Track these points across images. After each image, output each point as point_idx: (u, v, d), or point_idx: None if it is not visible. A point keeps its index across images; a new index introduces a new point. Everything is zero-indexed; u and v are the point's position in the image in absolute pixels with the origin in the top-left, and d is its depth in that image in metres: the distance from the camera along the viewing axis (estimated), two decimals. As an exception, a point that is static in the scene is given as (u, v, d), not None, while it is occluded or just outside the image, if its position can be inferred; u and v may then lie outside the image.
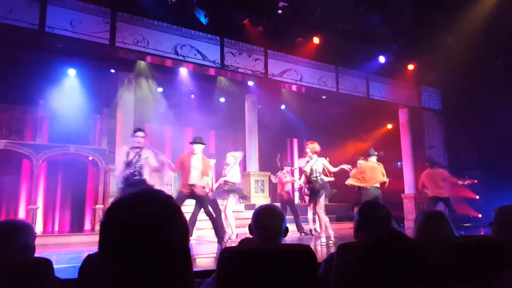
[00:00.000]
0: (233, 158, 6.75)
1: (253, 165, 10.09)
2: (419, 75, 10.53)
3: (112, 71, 8.86)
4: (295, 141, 13.55)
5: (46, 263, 1.52)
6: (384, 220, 1.88)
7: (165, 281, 0.76)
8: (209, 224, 5.52)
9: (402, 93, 10.84)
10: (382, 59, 9.75)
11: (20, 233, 1.66)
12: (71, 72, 8.61)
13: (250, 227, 1.82)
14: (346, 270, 1.56)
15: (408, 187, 10.67)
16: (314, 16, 8.14)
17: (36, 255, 1.67)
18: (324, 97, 10.13)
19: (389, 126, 12.19)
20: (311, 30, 8.70)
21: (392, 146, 11.73)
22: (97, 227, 7.84)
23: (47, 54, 7.67)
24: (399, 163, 11.53)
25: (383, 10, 8.10)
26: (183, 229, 0.82)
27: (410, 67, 10.40)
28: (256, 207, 1.85)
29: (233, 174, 6.62)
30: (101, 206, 8.22)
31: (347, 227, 8.52)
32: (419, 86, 11.12)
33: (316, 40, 8.92)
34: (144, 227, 0.76)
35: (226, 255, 1.56)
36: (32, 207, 7.84)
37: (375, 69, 9.97)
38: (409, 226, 9.67)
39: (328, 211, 9.91)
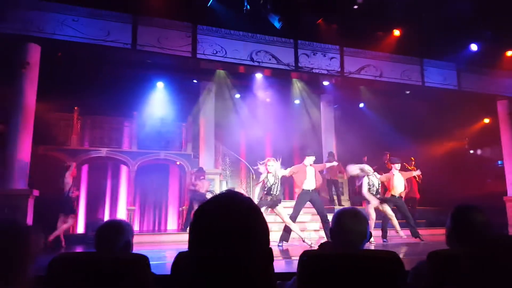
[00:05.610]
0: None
1: (332, 166, 9.82)
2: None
3: (195, 81, 9.47)
4: (377, 141, 12.84)
5: (144, 259, 1.66)
6: (481, 226, 1.66)
7: (249, 281, 0.79)
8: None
9: (500, 83, 9.63)
10: (474, 47, 8.80)
11: (123, 232, 1.88)
12: (160, 85, 9.43)
13: (331, 230, 1.73)
14: (438, 281, 1.44)
15: (513, 189, 9.40)
16: (393, 7, 7.69)
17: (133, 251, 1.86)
18: (408, 92, 9.51)
19: (486, 120, 10.92)
20: (390, 23, 8.24)
21: (491, 142, 10.49)
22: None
23: (139, 70, 8.51)
24: (499, 162, 10.25)
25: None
26: (265, 229, 0.84)
27: (509, 53, 9.20)
28: (336, 210, 1.79)
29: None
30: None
31: (439, 233, 7.82)
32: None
33: (396, 32, 8.42)
34: (229, 227, 0.79)
35: (305, 259, 1.54)
36: (130, 208, 8.71)
37: (466, 58, 9.02)
38: (515, 233, 8.49)
39: (418, 215, 9.27)
